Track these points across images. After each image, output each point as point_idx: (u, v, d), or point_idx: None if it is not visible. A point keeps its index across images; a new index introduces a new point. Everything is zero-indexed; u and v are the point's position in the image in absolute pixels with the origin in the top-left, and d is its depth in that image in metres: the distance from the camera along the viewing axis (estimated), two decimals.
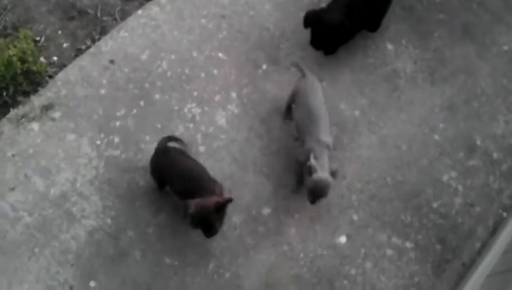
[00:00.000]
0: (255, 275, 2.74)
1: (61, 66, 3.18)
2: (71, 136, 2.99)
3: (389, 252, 2.85)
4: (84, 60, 3.18)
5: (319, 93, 2.89)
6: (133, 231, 2.80)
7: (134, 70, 3.19)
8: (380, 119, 3.18)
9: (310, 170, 2.63)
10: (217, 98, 3.16)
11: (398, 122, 3.19)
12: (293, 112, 2.95)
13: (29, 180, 2.86)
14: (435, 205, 2.98)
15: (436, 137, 3.17)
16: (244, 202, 2.87)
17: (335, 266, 2.77)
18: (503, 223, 2.93)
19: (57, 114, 3.03)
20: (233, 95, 3.18)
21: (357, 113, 3.18)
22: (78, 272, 2.70)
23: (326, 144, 2.74)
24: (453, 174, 3.07)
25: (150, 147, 2.98)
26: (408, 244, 2.87)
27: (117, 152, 2.98)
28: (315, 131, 2.75)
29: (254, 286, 2.71)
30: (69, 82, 3.12)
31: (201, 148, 3.02)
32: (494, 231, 2.92)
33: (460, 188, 3.03)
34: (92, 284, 2.68)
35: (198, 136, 3.05)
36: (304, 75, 2.95)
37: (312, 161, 2.63)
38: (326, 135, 2.77)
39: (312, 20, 3.09)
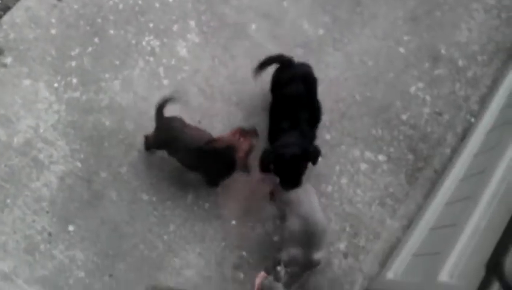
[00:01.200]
0: (234, 203, 2.89)
1: (5, 8, 3.11)
2: (26, 82, 2.99)
3: (363, 166, 3.03)
4: (29, 0, 3.13)
5: (315, 202, 2.67)
6: (106, 172, 2.89)
7: (84, 5, 3.16)
8: (344, 36, 3.28)
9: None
10: (175, 28, 3.18)
11: (363, 38, 3.29)
12: (286, 218, 2.67)
13: None
14: (404, 117, 3.15)
15: (401, 50, 3.30)
16: (216, 132, 2.93)
17: (312, 186, 2.92)
18: (472, 128, 3.12)
19: (8, 60, 3.01)
20: (192, 23, 3.20)
21: (321, 31, 3.26)
22: (54, 219, 2.79)
23: (316, 264, 2.61)
24: (420, 85, 3.23)
25: (110, 85, 3.02)
26: (381, 157, 3.06)
27: (77, 93, 3.01)
28: (310, 250, 2.57)
29: (234, 213, 2.87)
30: (15, 25, 3.08)
31: (165, 82, 3.07)
32: (464, 137, 3.12)
33: (427, 98, 3.20)
34: (71, 228, 2.79)
35: (160, 69, 3.10)
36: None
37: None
38: (320, 253, 2.60)
39: (271, 160, 2.72)
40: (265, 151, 2.71)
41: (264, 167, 2.71)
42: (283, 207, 2.68)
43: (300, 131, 2.72)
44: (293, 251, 2.56)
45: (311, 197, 2.67)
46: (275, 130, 2.81)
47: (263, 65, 2.92)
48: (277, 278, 2.53)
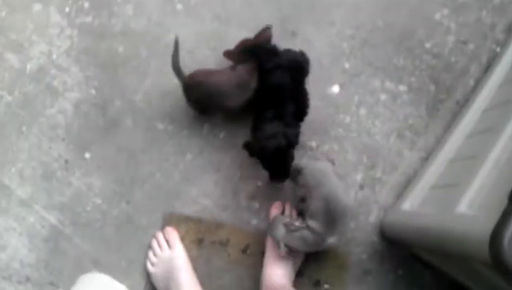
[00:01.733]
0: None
1: None
2: (37, 6, 2.96)
3: (383, 97, 3.01)
4: None
5: (336, 181, 2.56)
6: (120, 100, 2.91)
7: None
8: None
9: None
10: None
11: None
12: (311, 198, 2.55)
13: (2, 57, 2.88)
14: (427, 45, 3.08)
15: None
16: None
17: (330, 116, 2.94)
18: (497, 58, 3.05)
19: None
20: None
21: None
22: (71, 146, 2.85)
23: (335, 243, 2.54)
24: (445, 11, 3.13)
25: (123, 10, 2.98)
26: (401, 88, 3.02)
27: (89, 18, 2.98)
28: (330, 230, 2.50)
29: None
30: None
31: (179, 6, 3.02)
32: (488, 67, 3.05)
33: (452, 25, 3.12)
34: (87, 155, 2.85)
35: None
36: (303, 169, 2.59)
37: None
38: (335, 237, 2.53)
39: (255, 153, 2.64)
40: (248, 143, 2.65)
41: (252, 155, 2.67)
42: (302, 191, 2.61)
43: (285, 121, 2.59)
44: (316, 224, 2.51)
45: (330, 177, 2.56)
46: (259, 120, 2.65)
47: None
48: (289, 227, 2.53)
